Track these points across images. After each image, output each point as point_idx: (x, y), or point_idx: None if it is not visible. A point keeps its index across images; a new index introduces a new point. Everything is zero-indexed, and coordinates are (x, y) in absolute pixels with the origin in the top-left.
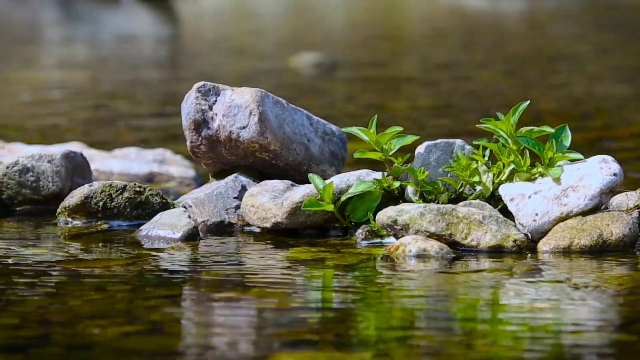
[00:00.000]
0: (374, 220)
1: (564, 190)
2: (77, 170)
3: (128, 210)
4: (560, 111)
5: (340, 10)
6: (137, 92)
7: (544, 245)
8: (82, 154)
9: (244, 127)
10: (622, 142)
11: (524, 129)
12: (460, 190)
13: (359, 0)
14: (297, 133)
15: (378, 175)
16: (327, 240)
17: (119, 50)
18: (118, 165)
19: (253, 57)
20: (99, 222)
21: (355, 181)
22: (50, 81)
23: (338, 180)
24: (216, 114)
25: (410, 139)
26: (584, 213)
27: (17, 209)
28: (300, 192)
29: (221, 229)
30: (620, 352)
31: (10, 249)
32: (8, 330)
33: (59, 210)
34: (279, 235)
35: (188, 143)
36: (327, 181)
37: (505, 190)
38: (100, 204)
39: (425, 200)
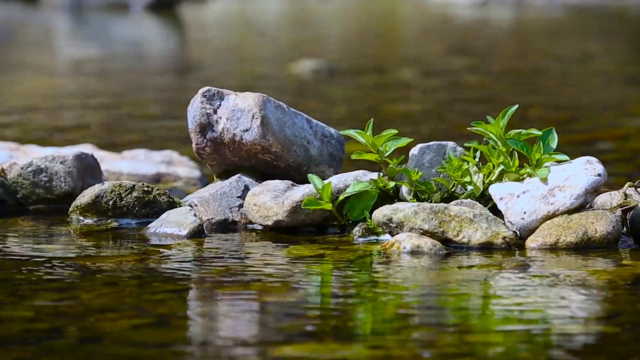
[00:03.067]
0: (370, 218)
1: (551, 189)
2: (88, 170)
3: (137, 208)
4: (547, 115)
5: (338, 19)
6: (145, 96)
7: (531, 242)
8: (93, 156)
9: (246, 130)
10: (606, 144)
11: (512, 132)
12: (452, 189)
13: (355, 10)
14: (297, 136)
15: (374, 175)
16: (325, 238)
17: (127, 57)
18: (127, 166)
19: (255, 63)
20: (109, 220)
21: (352, 181)
22: (62, 86)
23: (336, 180)
24: (220, 118)
25: (404, 141)
26: (570, 211)
27: (31, 207)
28: (300, 192)
29: (225, 227)
30: (605, 343)
31: (24, 245)
32: (23, 323)
33: (71, 208)
34: (280, 232)
35: (194, 145)
36: (326, 181)
37: (495, 190)
38: (110, 202)
39: (419, 200)
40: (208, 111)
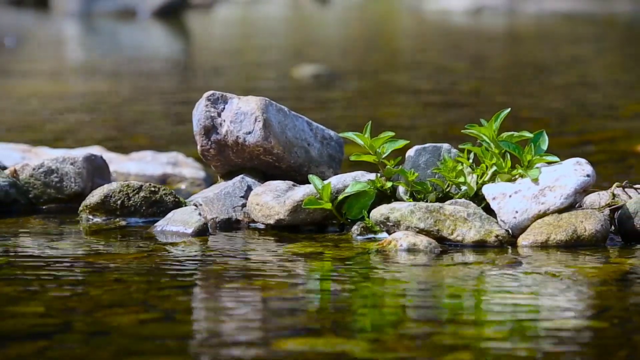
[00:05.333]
0: (368, 217)
1: (542, 190)
2: (97, 171)
3: (144, 208)
4: (538, 118)
5: (338, 26)
6: (152, 100)
7: (523, 240)
8: (102, 157)
9: (249, 133)
10: (594, 146)
11: (505, 134)
12: (447, 190)
13: (354, 17)
14: (298, 138)
15: (372, 176)
16: (325, 236)
17: (135, 61)
18: (135, 167)
19: (258, 68)
20: (117, 219)
21: (351, 182)
22: (73, 90)
23: (335, 180)
24: (224, 121)
25: (401, 143)
26: (560, 211)
27: (43, 207)
28: (301, 192)
29: (229, 225)
30: (594, 337)
31: (36, 243)
32: (34, 318)
33: (80, 208)
34: (282, 231)
35: (199, 147)
36: (326, 181)
37: (488, 190)
38: (119, 202)
39: (415, 199)
40: (212, 114)
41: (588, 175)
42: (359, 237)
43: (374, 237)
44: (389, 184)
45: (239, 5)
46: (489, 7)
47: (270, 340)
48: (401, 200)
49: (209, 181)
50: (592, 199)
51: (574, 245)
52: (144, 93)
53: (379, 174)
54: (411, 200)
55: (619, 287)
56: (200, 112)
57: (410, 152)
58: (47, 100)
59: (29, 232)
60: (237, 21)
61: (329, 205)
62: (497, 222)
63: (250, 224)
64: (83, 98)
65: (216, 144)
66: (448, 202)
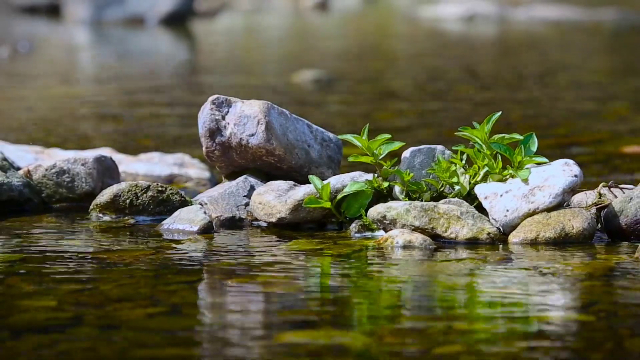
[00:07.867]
0: (366, 215)
1: (532, 189)
2: (107, 172)
3: (151, 207)
4: (528, 121)
5: (336, 33)
6: (159, 103)
7: (514, 238)
8: (111, 158)
9: (252, 135)
10: (582, 148)
11: (496, 136)
12: (441, 189)
13: (353, 24)
14: (298, 140)
15: (369, 176)
16: (325, 233)
17: (143, 67)
18: (143, 167)
19: (260, 74)
20: (126, 217)
21: (349, 182)
22: (84, 94)
23: (334, 180)
24: (228, 123)
25: (397, 144)
26: (549, 209)
27: (55, 206)
28: (301, 191)
29: (233, 224)
30: (581, 330)
31: (48, 240)
32: (47, 311)
33: (91, 207)
34: (283, 229)
35: (204, 149)
36: (325, 182)
37: (480, 190)
38: (127, 201)
39: (410, 198)
40: (217, 117)
41: (576, 176)
42: (356, 235)
43: (371, 235)
44: (385, 184)
45: (242, 14)
46: (482, 14)
47: (271, 332)
48: (397, 199)
49: (214, 181)
50: (579, 198)
51: (562, 242)
52: (151, 97)
53: (376, 175)
54: (407, 199)
55: (605, 282)
56: (205, 115)
57: (406, 154)
58: (59, 103)
59: (42, 229)
60: (240, 28)
61: (328, 204)
62: (488, 220)
63: (253, 222)
64: (93, 101)
65: (220, 146)
66: (442, 201)
